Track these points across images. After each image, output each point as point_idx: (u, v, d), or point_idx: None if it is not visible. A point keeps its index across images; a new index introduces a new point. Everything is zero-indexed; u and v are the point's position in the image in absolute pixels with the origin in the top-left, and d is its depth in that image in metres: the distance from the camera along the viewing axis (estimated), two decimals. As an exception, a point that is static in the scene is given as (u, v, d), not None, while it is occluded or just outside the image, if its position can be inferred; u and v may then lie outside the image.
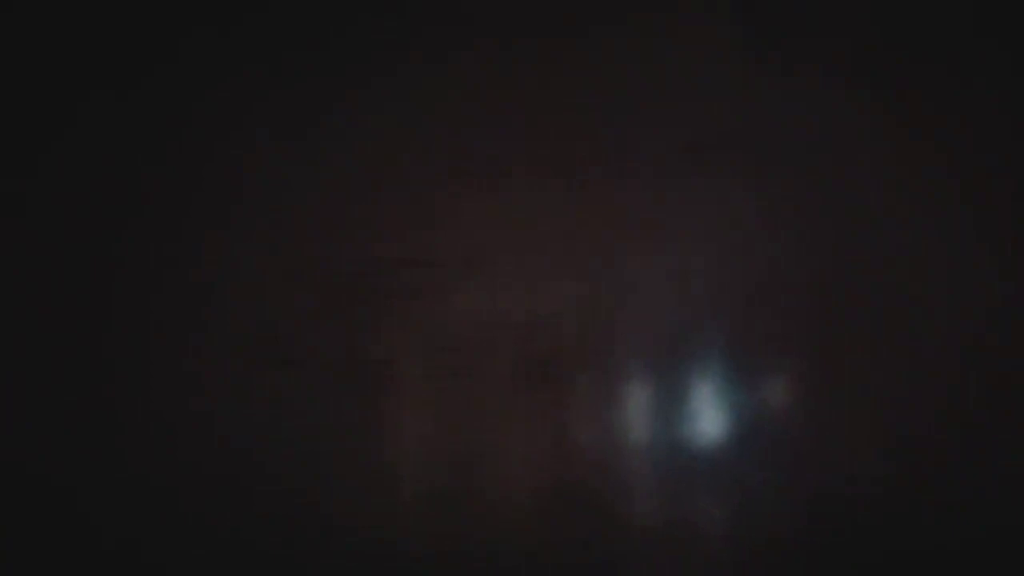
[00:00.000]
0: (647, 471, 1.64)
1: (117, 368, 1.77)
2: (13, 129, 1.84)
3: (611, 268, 1.66)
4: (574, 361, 1.66)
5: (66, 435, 1.76)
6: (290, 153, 1.76)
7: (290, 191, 1.76)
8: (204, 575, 1.72)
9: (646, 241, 1.66)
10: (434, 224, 1.71)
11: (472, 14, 1.73)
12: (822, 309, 1.61)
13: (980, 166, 1.59)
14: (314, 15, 1.78)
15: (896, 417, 1.58)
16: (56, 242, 1.81)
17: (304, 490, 1.70)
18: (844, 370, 1.60)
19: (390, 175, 1.74)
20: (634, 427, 1.65)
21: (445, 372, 1.69)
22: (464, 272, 1.70)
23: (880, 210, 1.61)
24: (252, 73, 1.78)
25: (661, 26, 1.69)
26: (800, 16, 1.66)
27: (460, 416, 1.68)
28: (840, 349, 1.60)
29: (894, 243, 1.60)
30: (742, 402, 1.62)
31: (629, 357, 1.66)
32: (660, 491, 1.64)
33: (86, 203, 1.81)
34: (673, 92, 1.68)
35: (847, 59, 1.64)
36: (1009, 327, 1.56)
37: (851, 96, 1.63)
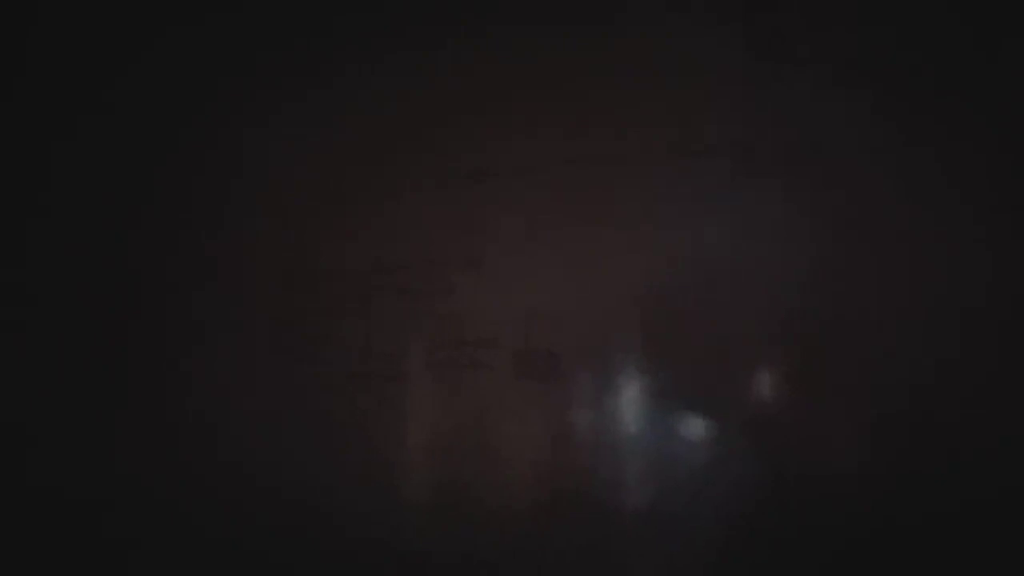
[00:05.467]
0: (645, 464, 1.65)
1: (119, 368, 1.78)
2: (14, 131, 1.85)
3: (609, 266, 1.67)
4: (574, 357, 1.67)
5: (67, 435, 1.78)
6: (294, 154, 1.77)
7: (294, 192, 1.77)
8: (205, 573, 1.73)
9: (644, 239, 1.66)
10: (435, 224, 1.72)
11: (471, 14, 1.73)
12: (817, 307, 1.61)
13: (979, 166, 1.59)
14: (316, 16, 1.79)
15: (891, 416, 1.58)
16: (57, 243, 1.82)
17: (304, 489, 1.71)
18: (836, 369, 1.60)
19: (393, 176, 1.74)
20: (632, 421, 1.66)
21: (446, 369, 1.69)
22: (464, 272, 1.71)
23: (879, 209, 1.61)
24: (253, 75, 1.79)
25: (661, 26, 1.69)
26: (801, 16, 1.65)
27: (462, 410, 1.69)
28: (834, 347, 1.60)
29: (891, 241, 1.60)
30: (739, 398, 1.62)
31: (627, 353, 1.66)
32: (657, 483, 1.65)
33: (88, 203, 1.82)
34: (673, 91, 1.68)
35: (847, 59, 1.63)
36: (1003, 325, 1.56)
37: (851, 96, 1.63)
